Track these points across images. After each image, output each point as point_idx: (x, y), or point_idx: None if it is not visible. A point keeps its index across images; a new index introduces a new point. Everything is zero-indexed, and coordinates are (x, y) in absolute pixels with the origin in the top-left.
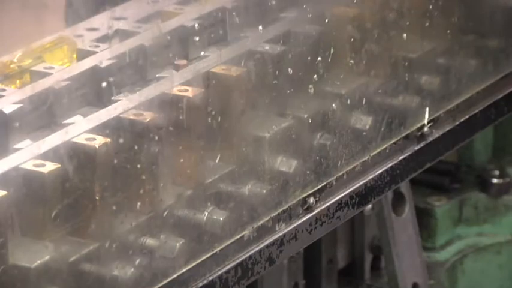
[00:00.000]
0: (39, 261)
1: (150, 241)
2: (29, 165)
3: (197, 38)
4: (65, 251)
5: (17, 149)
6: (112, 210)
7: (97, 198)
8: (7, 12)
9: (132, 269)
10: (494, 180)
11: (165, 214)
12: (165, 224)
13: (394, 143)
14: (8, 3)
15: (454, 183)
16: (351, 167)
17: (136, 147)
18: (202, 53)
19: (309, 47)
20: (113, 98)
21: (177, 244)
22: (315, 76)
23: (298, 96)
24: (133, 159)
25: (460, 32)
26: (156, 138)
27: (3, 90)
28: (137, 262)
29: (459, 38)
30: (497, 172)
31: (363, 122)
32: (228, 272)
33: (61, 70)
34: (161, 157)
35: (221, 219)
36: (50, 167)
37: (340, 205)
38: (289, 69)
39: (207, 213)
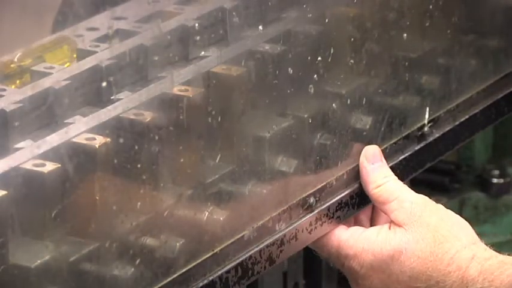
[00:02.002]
0: (39, 261)
1: (150, 241)
2: (28, 165)
3: (197, 38)
4: (65, 251)
5: (17, 149)
6: (112, 210)
7: (97, 198)
8: (7, 12)
9: (132, 269)
10: (494, 180)
11: (165, 214)
12: (164, 224)
13: (394, 143)
14: (8, 4)
15: (454, 183)
16: (351, 166)
17: (136, 147)
18: (203, 52)
19: (308, 47)
20: (112, 97)
21: (177, 244)
22: (315, 76)
23: (298, 96)
24: (133, 159)
25: (460, 31)
26: (156, 138)
27: (4, 90)
28: (137, 262)
29: (459, 38)
30: (497, 172)
31: (363, 122)
32: (228, 271)
33: (61, 70)
34: (161, 157)
35: (221, 218)
36: (50, 166)
37: (340, 205)
38: (288, 69)
39: (207, 213)
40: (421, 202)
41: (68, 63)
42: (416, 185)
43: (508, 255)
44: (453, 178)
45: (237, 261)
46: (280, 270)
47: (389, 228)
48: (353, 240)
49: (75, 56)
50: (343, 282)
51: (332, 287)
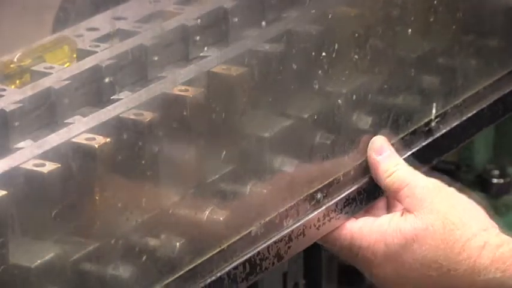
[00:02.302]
0: (39, 261)
1: (154, 239)
2: (29, 165)
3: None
4: (65, 250)
5: (18, 149)
6: (112, 210)
7: (97, 198)
8: (7, 12)
9: (138, 266)
10: (494, 180)
11: (169, 212)
12: (169, 221)
13: (401, 138)
14: (8, 4)
15: (454, 183)
16: (359, 162)
17: (135, 147)
18: (205, 49)
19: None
20: (112, 97)
21: (182, 241)
22: (319, 72)
23: (302, 93)
24: (132, 159)
25: (466, 27)
26: (156, 138)
27: (3, 90)
28: (143, 259)
29: (465, 34)
30: (497, 172)
31: (370, 118)
32: (236, 268)
33: (61, 70)
34: (161, 157)
35: (221, 218)
36: (50, 166)
37: (348, 200)
38: (292, 66)
39: (212, 210)
40: (433, 187)
41: (68, 63)
42: None
43: None
44: (453, 178)
45: (245, 258)
46: (280, 271)
47: (401, 215)
48: (365, 230)
49: (75, 56)
50: (343, 282)
51: (332, 287)
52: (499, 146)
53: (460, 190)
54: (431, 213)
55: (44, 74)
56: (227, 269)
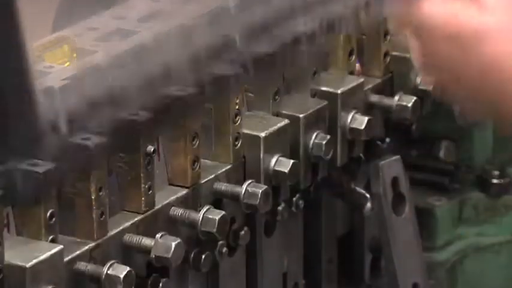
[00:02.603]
0: (35, 261)
1: None
2: (24, 165)
3: None
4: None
5: None
6: (109, 209)
7: (93, 197)
8: None
9: None
10: (494, 180)
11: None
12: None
13: None
14: None
15: (453, 183)
16: None
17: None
18: None
19: None
20: None
21: None
22: None
23: None
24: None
25: None
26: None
27: None
28: None
29: None
30: (497, 172)
31: None
32: None
33: (61, 69)
34: (157, 156)
35: None
36: (45, 166)
37: None
38: None
39: None
40: None
41: (67, 63)
42: (416, 185)
43: None
44: (453, 178)
45: None
46: (280, 271)
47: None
48: None
49: (75, 55)
50: (343, 282)
51: (332, 287)
52: (499, 146)
53: (459, 191)
54: (508, 14)
55: (44, 74)
56: None
